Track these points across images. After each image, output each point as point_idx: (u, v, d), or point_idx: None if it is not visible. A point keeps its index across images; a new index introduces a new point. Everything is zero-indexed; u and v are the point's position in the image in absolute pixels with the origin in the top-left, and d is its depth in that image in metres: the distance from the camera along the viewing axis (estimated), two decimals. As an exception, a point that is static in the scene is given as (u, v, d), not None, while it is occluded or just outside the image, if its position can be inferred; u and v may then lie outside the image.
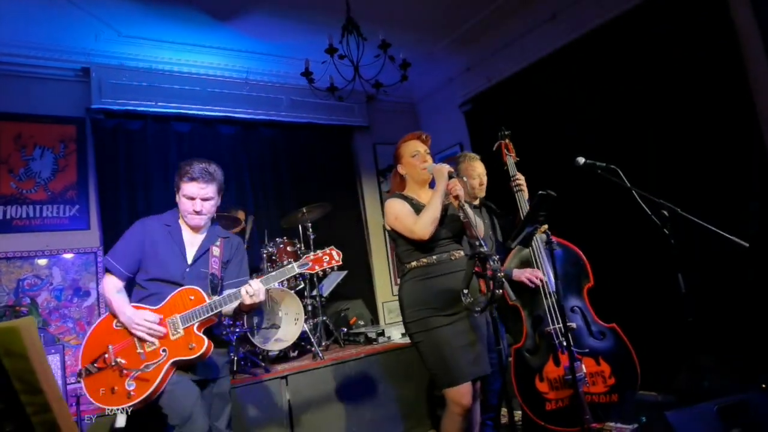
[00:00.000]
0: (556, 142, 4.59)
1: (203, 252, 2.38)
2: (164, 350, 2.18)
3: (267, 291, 2.23)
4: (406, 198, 2.53)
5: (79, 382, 2.24)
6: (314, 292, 4.51)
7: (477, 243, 2.20)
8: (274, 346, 3.93)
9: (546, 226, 2.47)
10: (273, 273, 2.24)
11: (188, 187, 2.31)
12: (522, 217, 3.12)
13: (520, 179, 3.28)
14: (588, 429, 2.81)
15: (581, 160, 2.83)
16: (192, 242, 2.40)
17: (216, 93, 5.45)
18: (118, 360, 2.18)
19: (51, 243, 4.65)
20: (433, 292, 2.37)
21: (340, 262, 2.26)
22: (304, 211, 4.39)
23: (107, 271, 2.36)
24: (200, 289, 2.25)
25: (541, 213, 2.37)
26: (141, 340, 2.20)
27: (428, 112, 6.82)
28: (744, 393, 2.37)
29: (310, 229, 4.52)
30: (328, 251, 2.24)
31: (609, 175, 2.84)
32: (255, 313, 4.06)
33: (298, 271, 2.19)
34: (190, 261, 2.35)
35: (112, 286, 2.31)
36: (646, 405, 3.43)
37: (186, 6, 4.31)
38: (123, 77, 5.02)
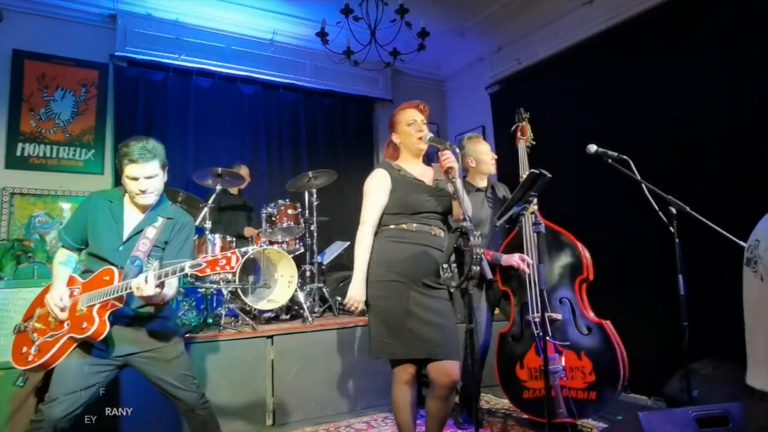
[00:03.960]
0: (578, 130, 4.41)
1: (138, 232, 2.30)
2: (68, 324, 2.17)
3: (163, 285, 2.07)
4: (392, 168, 2.42)
5: (13, 334, 2.33)
6: (314, 260, 4.48)
7: (462, 218, 2.13)
8: (266, 306, 3.93)
9: (535, 207, 2.37)
10: (167, 269, 2.08)
11: (129, 169, 2.20)
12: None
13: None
14: (560, 423, 2.75)
15: (593, 147, 2.79)
16: (133, 221, 2.33)
17: (240, 52, 5.45)
18: (35, 324, 2.25)
19: (65, 184, 4.75)
20: (405, 258, 2.26)
21: (235, 269, 2.06)
22: (310, 176, 4.34)
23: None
24: (116, 272, 2.18)
25: (531, 193, 2.27)
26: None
27: (455, 92, 6.65)
28: (728, 404, 2.24)
29: (315, 195, 4.48)
30: (229, 254, 2.02)
31: (620, 165, 2.74)
32: (252, 270, 4.06)
33: (189, 270, 2.03)
34: (124, 239, 2.28)
35: (58, 258, 2.35)
36: (632, 407, 3.32)
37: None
38: (149, 27, 5.05)
